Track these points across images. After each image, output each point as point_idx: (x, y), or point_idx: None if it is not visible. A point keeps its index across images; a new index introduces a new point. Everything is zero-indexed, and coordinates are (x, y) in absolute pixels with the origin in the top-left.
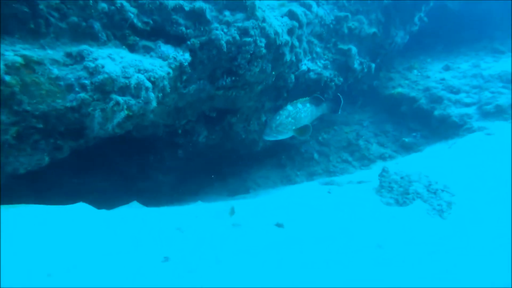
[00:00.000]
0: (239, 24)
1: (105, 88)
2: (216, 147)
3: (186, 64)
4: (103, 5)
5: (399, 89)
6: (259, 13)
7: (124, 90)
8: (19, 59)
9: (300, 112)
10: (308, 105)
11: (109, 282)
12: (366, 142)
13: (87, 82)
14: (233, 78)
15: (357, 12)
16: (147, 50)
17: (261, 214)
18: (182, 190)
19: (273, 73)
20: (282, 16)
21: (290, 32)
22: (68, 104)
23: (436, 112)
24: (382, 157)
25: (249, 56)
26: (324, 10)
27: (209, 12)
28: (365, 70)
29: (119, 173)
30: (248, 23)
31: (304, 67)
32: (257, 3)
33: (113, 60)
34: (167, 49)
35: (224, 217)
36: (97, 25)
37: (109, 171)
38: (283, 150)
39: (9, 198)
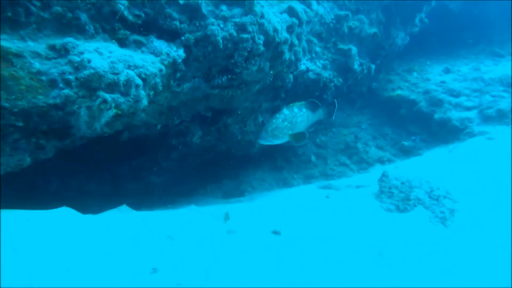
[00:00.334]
0: (237, 20)
1: (91, 85)
2: (211, 148)
3: (180, 60)
4: None
5: (399, 92)
6: (257, 9)
7: (112, 87)
8: None
9: (296, 117)
10: (304, 109)
11: None
12: (364, 145)
13: (71, 77)
14: (230, 76)
15: (357, 11)
16: (138, 45)
17: (257, 220)
18: (176, 192)
19: (271, 72)
20: (281, 13)
21: (290, 29)
22: (51, 101)
23: (437, 116)
24: (381, 161)
25: (246, 53)
26: (324, 8)
27: (205, 6)
28: (365, 71)
29: (110, 174)
30: (246, 19)
31: (303, 67)
32: None
33: (100, 54)
34: (160, 45)
35: (219, 223)
36: (84, 17)
37: (99, 172)
38: (280, 152)
39: None
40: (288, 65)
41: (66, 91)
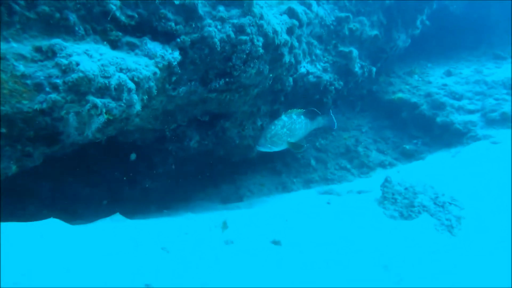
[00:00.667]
0: (235, 21)
1: (80, 89)
2: (208, 153)
3: (175, 63)
4: None
5: (400, 95)
6: (256, 10)
7: (103, 91)
8: None
9: (295, 123)
10: (302, 117)
11: None
12: (365, 149)
13: (59, 81)
14: (227, 80)
15: (358, 13)
16: (131, 47)
17: (256, 229)
18: (172, 197)
19: (271, 75)
20: (281, 14)
21: (290, 31)
22: (37, 107)
23: (439, 119)
24: (382, 165)
25: (245, 56)
26: (324, 10)
27: (202, 6)
28: (366, 74)
29: (104, 179)
30: (245, 20)
31: (303, 70)
32: None
33: (90, 57)
34: (154, 47)
35: (216, 233)
36: (73, 17)
37: (93, 177)
38: (279, 156)
39: None
40: (288, 68)
41: (53, 95)
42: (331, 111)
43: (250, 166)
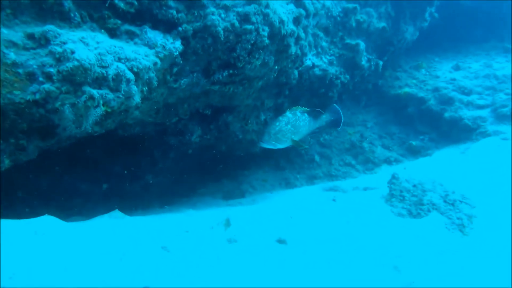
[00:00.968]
0: (239, 9)
1: (75, 79)
2: (211, 147)
3: (176, 53)
4: None
5: (406, 89)
6: None
7: (100, 81)
8: None
9: (299, 120)
10: (306, 115)
11: None
12: (370, 145)
13: (53, 70)
14: (231, 71)
15: (365, 4)
16: (130, 36)
17: (260, 227)
18: (173, 192)
19: (276, 67)
20: (287, 3)
21: (296, 21)
22: (30, 97)
23: (447, 114)
24: (388, 161)
25: (249, 46)
26: (331, 1)
27: None
28: (372, 68)
29: (104, 174)
30: (250, 8)
31: (308, 62)
32: None
33: (86, 45)
34: (155, 36)
35: (219, 231)
36: (68, 3)
37: (92, 171)
38: (282, 152)
39: None
40: (294, 60)
41: (47, 86)
42: (340, 110)
43: (252, 161)
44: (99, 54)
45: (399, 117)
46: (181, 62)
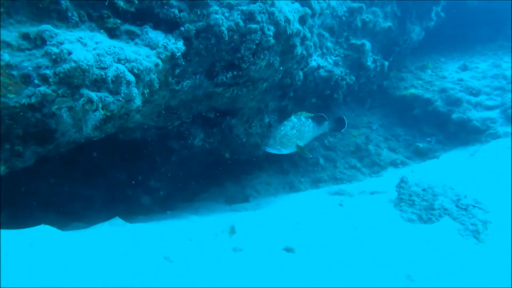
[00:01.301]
0: (244, 8)
1: (72, 81)
2: (213, 151)
3: (179, 54)
4: None
5: (412, 90)
6: None
7: (98, 84)
8: None
9: (304, 126)
10: (310, 120)
11: None
12: (376, 147)
13: (49, 72)
14: (235, 73)
15: (371, 4)
16: (131, 36)
17: (266, 234)
18: (176, 197)
19: (281, 68)
20: (292, 2)
21: (302, 20)
22: (25, 101)
23: (454, 116)
24: (394, 164)
25: (254, 46)
26: (336, 0)
27: None
28: (378, 68)
29: (105, 179)
30: (255, 7)
31: (313, 63)
32: None
33: (84, 45)
34: (156, 36)
35: (223, 239)
36: (65, 2)
37: (93, 176)
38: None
39: None
40: (299, 61)
41: (43, 88)
42: (345, 120)
43: (256, 164)
44: (98, 55)
45: (404, 119)
46: (183, 63)
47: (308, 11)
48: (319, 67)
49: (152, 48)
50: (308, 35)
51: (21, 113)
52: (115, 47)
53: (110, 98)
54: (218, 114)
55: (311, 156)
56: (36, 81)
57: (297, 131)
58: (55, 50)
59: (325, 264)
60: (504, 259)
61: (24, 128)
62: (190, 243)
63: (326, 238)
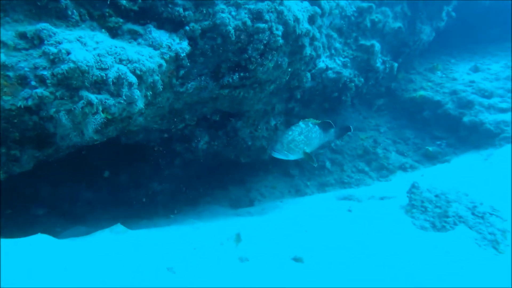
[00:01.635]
0: (251, 6)
1: (71, 83)
2: (218, 154)
3: (183, 55)
4: None
5: (422, 92)
6: None
7: (99, 85)
8: None
9: (311, 132)
10: (317, 127)
11: None
12: (384, 151)
13: (46, 73)
14: (242, 74)
15: (380, 3)
16: (133, 36)
17: (273, 242)
18: (179, 200)
19: (289, 69)
20: (301, 1)
21: (311, 20)
22: (21, 103)
23: (466, 119)
24: (403, 168)
25: (262, 47)
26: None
27: None
28: (387, 70)
29: (107, 181)
30: (263, 5)
31: (321, 65)
32: None
33: (84, 45)
34: (160, 36)
35: (228, 247)
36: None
37: (96, 178)
38: None
39: None
40: (307, 62)
41: (40, 90)
42: (350, 126)
43: (260, 167)
44: (98, 55)
45: (413, 122)
46: (188, 64)
47: (318, 10)
48: (327, 68)
49: (155, 48)
50: (317, 35)
51: (17, 116)
52: (116, 47)
53: (111, 101)
54: (223, 116)
55: (316, 164)
56: (33, 83)
57: (304, 137)
58: (53, 50)
59: (336, 275)
60: None
61: (21, 132)
62: (194, 252)
63: (336, 248)
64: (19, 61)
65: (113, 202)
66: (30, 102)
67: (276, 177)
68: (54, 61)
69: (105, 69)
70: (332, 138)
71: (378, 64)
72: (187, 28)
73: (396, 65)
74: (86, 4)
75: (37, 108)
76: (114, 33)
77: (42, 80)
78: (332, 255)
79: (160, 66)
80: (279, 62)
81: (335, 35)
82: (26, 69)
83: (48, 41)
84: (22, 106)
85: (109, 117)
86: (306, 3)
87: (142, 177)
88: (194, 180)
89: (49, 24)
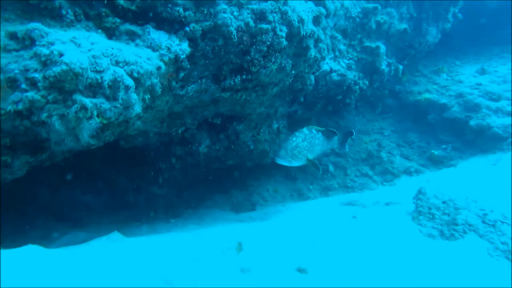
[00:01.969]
0: (254, 6)
1: (64, 86)
2: (220, 158)
3: (183, 56)
4: None
5: (427, 95)
6: None
7: (94, 89)
8: None
9: (315, 138)
10: (320, 134)
11: None
12: (388, 154)
13: (38, 76)
14: (244, 77)
15: (386, 4)
16: (131, 37)
17: (275, 251)
18: (180, 204)
19: (293, 72)
20: (306, 1)
21: (316, 21)
22: (11, 108)
23: (473, 122)
24: (408, 172)
25: (265, 48)
26: (350, 0)
27: None
28: (392, 72)
29: (107, 185)
30: (266, 5)
31: (326, 67)
32: None
33: (78, 46)
34: (159, 37)
35: (230, 257)
36: None
37: (95, 182)
38: None
39: None
40: (311, 64)
41: (31, 94)
42: (353, 131)
43: (262, 170)
44: (93, 57)
45: (418, 125)
46: (188, 66)
47: (323, 11)
48: (331, 71)
49: (154, 49)
50: (322, 36)
51: (8, 121)
52: (113, 49)
53: (106, 105)
54: (224, 119)
55: (320, 172)
56: (23, 86)
57: (308, 143)
58: (45, 51)
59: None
60: None
61: (12, 137)
62: (194, 262)
63: (341, 258)
64: (9, 62)
65: (112, 206)
66: (20, 106)
67: (278, 181)
68: (46, 63)
69: (101, 71)
70: (335, 146)
71: (383, 66)
72: (187, 29)
73: (401, 67)
74: (82, 3)
75: (28, 113)
76: (111, 33)
77: (33, 83)
78: (337, 265)
79: (159, 68)
80: (283, 65)
81: (339, 36)
82: (16, 71)
83: (39, 41)
84: (12, 110)
85: (105, 121)
86: (310, 4)
87: (142, 181)
88: (195, 183)
89: (42, 24)
